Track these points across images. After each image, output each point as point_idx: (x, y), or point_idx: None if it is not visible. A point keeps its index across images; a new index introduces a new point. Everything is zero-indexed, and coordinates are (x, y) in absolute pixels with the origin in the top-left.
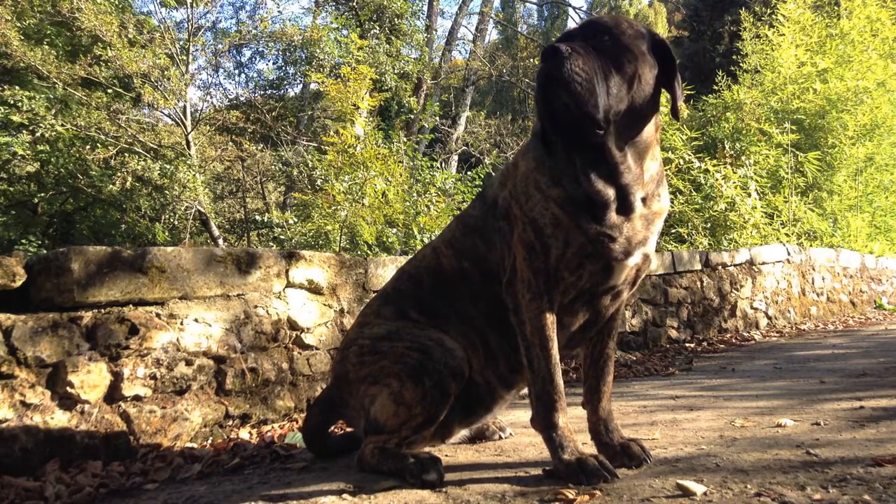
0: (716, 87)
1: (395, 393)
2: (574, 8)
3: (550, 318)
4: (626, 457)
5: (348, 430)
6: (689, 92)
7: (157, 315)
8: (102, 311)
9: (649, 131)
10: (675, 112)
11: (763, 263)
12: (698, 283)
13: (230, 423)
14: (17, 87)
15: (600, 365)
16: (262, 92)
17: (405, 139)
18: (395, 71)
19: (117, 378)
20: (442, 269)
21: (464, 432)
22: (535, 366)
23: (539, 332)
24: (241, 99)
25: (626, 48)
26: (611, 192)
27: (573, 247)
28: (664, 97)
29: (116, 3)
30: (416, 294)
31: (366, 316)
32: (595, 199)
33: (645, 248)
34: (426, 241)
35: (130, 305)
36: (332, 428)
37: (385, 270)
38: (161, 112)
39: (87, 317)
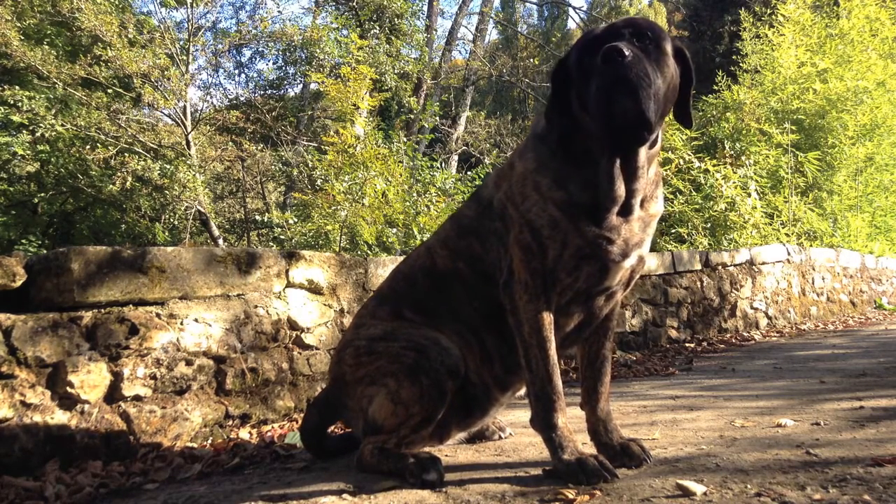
0: (716, 87)
1: (392, 392)
2: (574, 8)
3: (548, 319)
4: (626, 457)
5: (347, 430)
6: None
7: (157, 315)
8: (102, 311)
9: (659, 136)
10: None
11: (763, 263)
12: (698, 283)
13: (230, 423)
14: (17, 87)
15: (597, 366)
16: (262, 92)
17: (405, 139)
18: (395, 71)
19: (117, 378)
20: (437, 268)
21: (461, 435)
22: (534, 366)
23: (537, 333)
24: (241, 99)
25: (666, 54)
26: (622, 195)
27: (570, 248)
28: None
29: (116, 3)
30: (411, 294)
31: (361, 317)
32: (605, 203)
33: (640, 250)
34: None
35: (130, 305)
36: (332, 428)
37: (385, 270)
38: (161, 112)
39: (87, 317)
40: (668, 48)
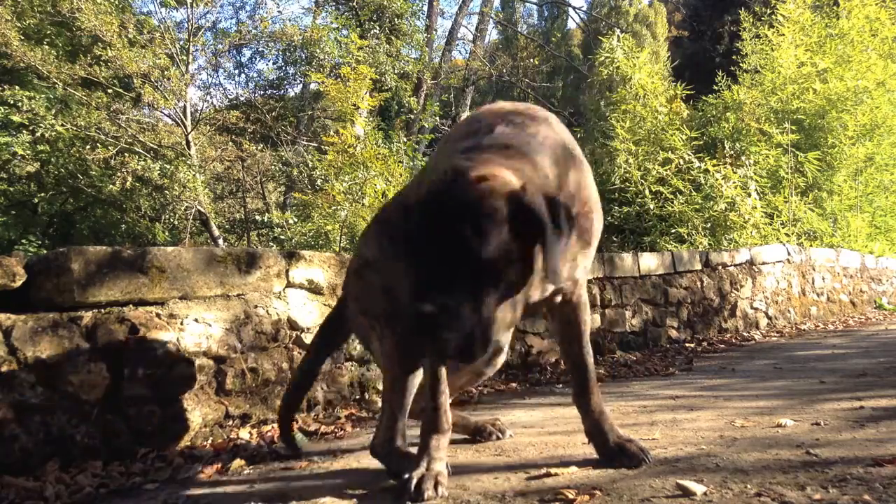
0: (716, 87)
1: (379, 338)
2: (574, 8)
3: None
4: (624, 457)
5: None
6: (688, 92)
7: (157, 315)
8: (102, 311)
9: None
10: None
11: (763, 263)
12: (698, 283)
13: (230, 423)
14: (17, 87)
15: (578, 372)
16: (262, 92)
17: (405, 139)
18: (395, 71)
19: (117, 378)
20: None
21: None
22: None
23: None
24: (241, 99)
25: (490, 248)
26: None
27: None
28: None
29: (116, 3)
30: (397, 222)
31: (365, 236)
32: None
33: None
34: None
35: (130, 305)
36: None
37: None
38: (161, 112)
39: (87, 317)
40: (496, 232)
